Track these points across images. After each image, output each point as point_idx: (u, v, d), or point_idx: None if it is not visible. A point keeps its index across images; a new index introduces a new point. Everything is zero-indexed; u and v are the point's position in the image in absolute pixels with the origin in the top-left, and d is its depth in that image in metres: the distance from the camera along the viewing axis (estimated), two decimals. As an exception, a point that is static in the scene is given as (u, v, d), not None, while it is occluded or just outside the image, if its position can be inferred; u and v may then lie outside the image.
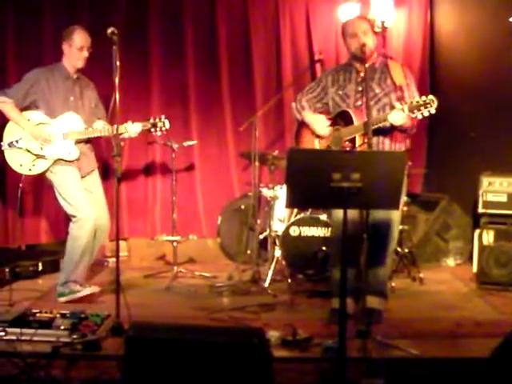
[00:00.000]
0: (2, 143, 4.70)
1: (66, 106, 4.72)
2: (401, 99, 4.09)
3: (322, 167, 3.06)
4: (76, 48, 4.67)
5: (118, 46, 3.94)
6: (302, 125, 4.45)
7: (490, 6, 5.77)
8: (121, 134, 4.44)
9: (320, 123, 4.31)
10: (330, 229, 5.00)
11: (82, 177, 4.79)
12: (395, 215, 4.13)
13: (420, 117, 3.88)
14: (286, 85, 6.19)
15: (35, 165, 4.68)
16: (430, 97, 3.83)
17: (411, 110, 3.86)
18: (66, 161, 4.70)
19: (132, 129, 4.75)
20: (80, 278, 4.72)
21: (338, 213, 4.05)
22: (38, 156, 4.67)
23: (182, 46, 6.27)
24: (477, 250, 5.17)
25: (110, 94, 4.07)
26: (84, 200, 4.70)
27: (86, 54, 4.71)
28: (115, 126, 4.11)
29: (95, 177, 4.92)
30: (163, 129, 4.85)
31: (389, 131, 4.12)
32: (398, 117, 3.94)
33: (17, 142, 4.67)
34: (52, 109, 4.69)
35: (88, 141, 4.83)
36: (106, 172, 6.05)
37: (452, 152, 6.13)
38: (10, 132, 4.70)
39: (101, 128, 4.76)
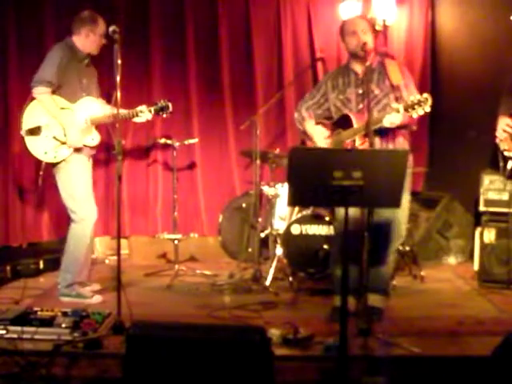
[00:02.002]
0: (22, 130, 4.54)
1: (81, 89, 4.62)
2: (399, 99, 4.09)
3: (323, 165, 3.06)
4: (99, 34, 4.59)
5: (120, 44, 3.94)
6: (305, 134, 4.47)
7: (490, 4, 5.77)
8: (137, 115, 4.70)
9: (319, 135, 4.34)
10: (331, 227, 5.01)
11: None
12: (400, 214, 4.13)
13: (415, 116, 3.88)
14: (287, 83, 6.18)
15: (58, 151, 4.54)
16: (425, 95, 3.83)
17: (406, 109, 3.86)
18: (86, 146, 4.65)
19: (145, 116, 4.78)
20: (85, 279, 4.72)
21: (341, 210, 4.05)
22: (63, 142, 4.54)
23: (183, 44, 6.26)
24: (478, 248, 5.18)
25: (112, 92, 4.07)
26: (90, 198, 4.66)
27: (104, 41, 4.61)
28: (128, 110, 4.42)
29: (91, 164, 4.81)
30: (168, 112, 4.86)
31: (388, 131, 4.12)
32: (393, 119, 3.94)
33: (39, 128, 4.52)
34: (71, 91, 4.56)
35: None
36: (107, 170, 6.06)
37: (453, 150, 6.12)
38: (28, 118, 4.55)
39: (125, 112, 4.70)
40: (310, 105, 4.44)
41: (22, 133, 4.54)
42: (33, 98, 4.55)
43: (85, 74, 4.70)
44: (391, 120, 3.94)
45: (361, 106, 4.19)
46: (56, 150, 4.54)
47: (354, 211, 3.46)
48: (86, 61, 4.71)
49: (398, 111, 3.89)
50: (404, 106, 3.87)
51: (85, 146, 4.64)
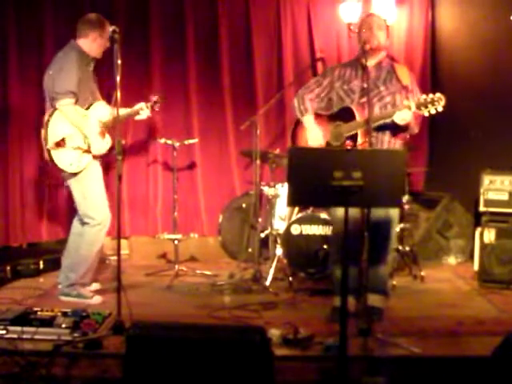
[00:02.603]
0: (48, 144, 4.47)
1: (90, 93, 4.62)
2: (405, 100, 4.09)
3: (323, 166, 3.06)
4: (106, 38, 4.55)
5: (120, 44, 3.94)
6: (300, 123, 4.44)
7: (490, 4, 5.77)
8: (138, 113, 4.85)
9: (315, 135, 4.29)
10: (331, 227, 5.00)
11: None
12: (394, 213, 4.14)
13: (427, 114, 3.88)
14: (287, 83, 6.18)
15: (80, 161, 4.52)
16: (438, 94, 3.82)
17: (418, 107, 3.86)
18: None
19: (145, 113, 4.87)
20: (88, 281, 4.72)
21: (338, 210, 4.06)
22: (85, 151, 4.53)
23: (182, 44, 6.27)
24: (478, 249, 5.17)
25: (112, 92, 4.07)
26: (105, 202, 4.66)
27: (108, 44, 4.59)
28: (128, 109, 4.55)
29: (99, 165, 4.79)
30: (158, 106, 4.96)
31: (390, 127, 4.12)
32: (404, 116, 3.93)
33: (63, 141, 4.48)
34: (83, 97, 4.54)
35: None
36: (107, 170, 6.05)
37: (453, 150, 6.12)
38: (54, 131, 4.48)
39: (128, 111, 4.77)
40: (314, 96, 4.37)
41: (49, 147, 4.48)
42: (53, 110, 4.49)
43: (91, 78, 4.70)
44: (402, 116, 3.94)
45: (363, 99, 4.17)
46: (79, 160, 4.53)
47: (351, 211, 3.45)
48: (92, 64, 4.70)
49: (409, 108, 3.89)
50: (416, 103, 3.87)
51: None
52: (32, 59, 5.79)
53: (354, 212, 3.61)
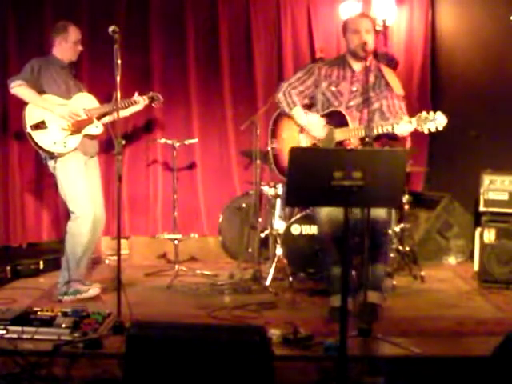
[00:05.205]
0: (27, 127, 4.54)
1: (71, 91, 4.74)
2: (391, 106, 4.10)
3: (323, 166, 3.05)
4: (72, 42, 4.73)
5: (120, 44, 3.94)
6: (282, 116, 4.41)
7: (491, 4, 5.77)
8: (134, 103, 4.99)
9: (317, 125, 4.22)
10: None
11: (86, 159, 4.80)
12: (383, 213, 4.12)
13: (426, 132, 3.89)
14: (287, 83, 6.19)
15: (67, 141, 4.61)
16: (439, 113, 3.84)
17: (419, 124, 3.86)
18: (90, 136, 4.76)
19: (142, 103, 5.04)
20: (82, 277, 4.73)
21: (322, 211, 4.08)
22: (72, 131, 4.63)
23: (182, 44, 6.27)
24: (478, 249, 5.17)
25: (112, 92, 4.07)
26: (85, 196, 4.68)
27: (80, 47, 4.80)
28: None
29: (95, 163, 4.90)
30: (159, 102, 5.23)
31: (386, 137, 4.12)
32: (405, 129, 3.94)
33: (43, 123, 4.56)
34: (61, 93, 4.66)
35: None
36: (107, 170, 6.06)
37: (453, 150, 6.12)
38: (30, 115, 4.58)
39: (123, 103, 4.83)
40: (298, 91, 4.30)
41: (28, 130, 4.54)
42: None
43: (71, 78, 4.81)
44: (402, 130, 3.94)
45: (352, 103, 4.17)
46: (65, 141, 4.61)
47: (335, 212, 3.43)
48: (69, 67, 4.83)
49: (410, 123, 3.90)
50: (417, 120, 3.87)
51: (90, 134, 4.73)
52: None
53: (339, 212, 3.59)
